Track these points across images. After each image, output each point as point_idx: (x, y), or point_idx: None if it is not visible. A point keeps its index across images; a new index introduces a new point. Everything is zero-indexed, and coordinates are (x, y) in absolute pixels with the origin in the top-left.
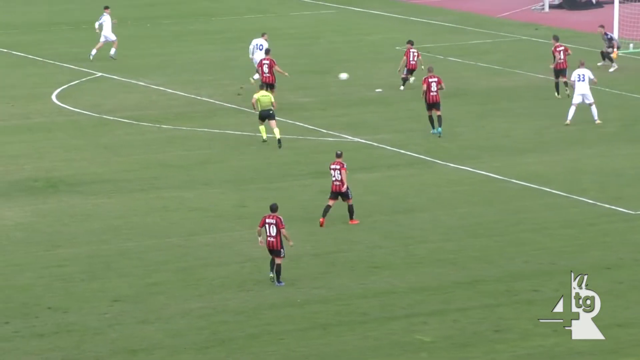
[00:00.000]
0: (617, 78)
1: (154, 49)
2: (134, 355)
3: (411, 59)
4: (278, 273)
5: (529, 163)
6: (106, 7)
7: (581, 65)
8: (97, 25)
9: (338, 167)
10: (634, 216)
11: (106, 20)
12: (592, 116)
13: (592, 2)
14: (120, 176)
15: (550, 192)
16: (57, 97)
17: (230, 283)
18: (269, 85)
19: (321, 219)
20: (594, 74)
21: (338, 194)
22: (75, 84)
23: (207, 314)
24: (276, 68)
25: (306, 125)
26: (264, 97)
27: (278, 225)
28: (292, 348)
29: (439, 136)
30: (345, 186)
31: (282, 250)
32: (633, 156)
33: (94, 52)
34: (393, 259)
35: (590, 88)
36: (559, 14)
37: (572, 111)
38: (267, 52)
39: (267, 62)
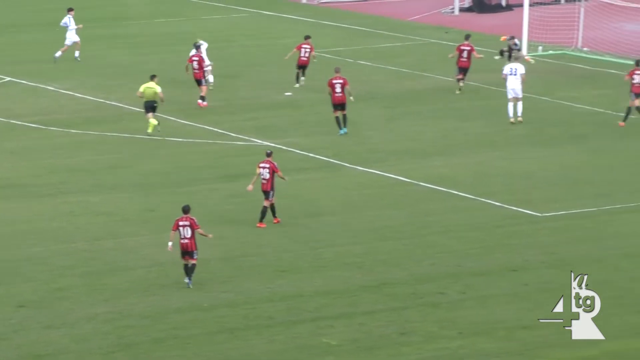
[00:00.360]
0: (526, 81)
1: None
2: None
3: (302, 54)
4: (191, 273)
5: (436, 166)
6: (70, 9)
7: (513, 59)
8: (62, 25)
9: (268, 165)
10: (541, 218)
11: (70, 22)
12: (516, 112)
13: (501, 5)
14: (28, 181)
15: (457, 194)
16: None
17: (136, 287)
18: (197, 82)
19: (260, 223)
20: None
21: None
22: None
23: (112, 318)
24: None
25: (215, 129)
26: (149, 89)
27: (192, 227)
28: (198, 352)
29: (343, 134)
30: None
31: (195, 251)
32: (541, 159)
33: (59, 54)
34: (300, 263)
35: (521, 83)
36: (469, 17)
37: (510, 107)
38: (196, 48)
39: (197, 58)
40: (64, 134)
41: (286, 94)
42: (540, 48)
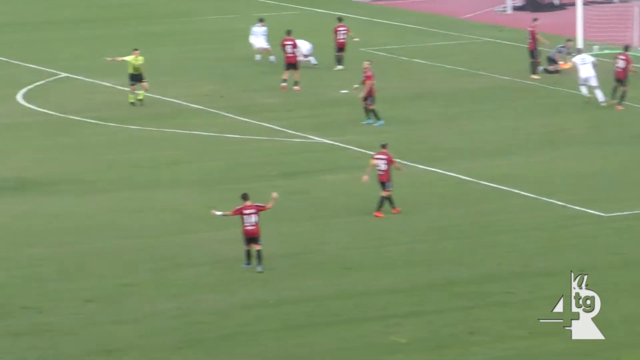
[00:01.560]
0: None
1: (118, 49)
2: (109, 355)
3: (339, 37)
4: (260, 258)
5: (498, 165)
6: (261, 20)
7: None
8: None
9: (384, 157)
10: (605, 218)
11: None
12: (598, 98)
13: (554, 4)
14: (89, 176)
15: (520, 194)
16: (23, 97)
17: (202, 284)
18: (292, 65)
19: (377, 212)
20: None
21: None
22: (40, 84)
23: (180, 314)
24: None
25: (273, 126)
26: (137, 60)
27: (258, 211)
28: (264, 349)
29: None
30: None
31: (260, 237)
32: (602, 158)
33: (273, 58)
34: (365, 260)
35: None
36: (522, 15)
37: (583, 89)
38: (288, 32)
39: (290, 42)
40: (123, 129)
41: (342, 91)
42: (595, 47)
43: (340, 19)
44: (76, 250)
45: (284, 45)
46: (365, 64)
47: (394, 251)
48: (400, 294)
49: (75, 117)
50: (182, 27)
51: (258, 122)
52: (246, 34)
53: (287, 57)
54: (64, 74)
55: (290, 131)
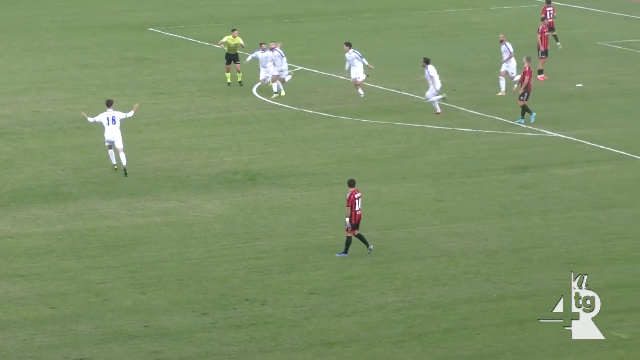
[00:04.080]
0: None
1: (354, 42)
2: (330, 347)
3: (548, 16)
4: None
5: None
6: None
7: None
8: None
9: None
10: None
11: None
12: None
13: None
14: (318, 169)
15: None
16: (258, 90)
17: (425, 277)
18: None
19: None
20: None
21: None
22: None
23: (402, 307)
24: None
25: (504, 120)
26: (233, 40)
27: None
28: (487, 343)
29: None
30: None
31: None
32: None
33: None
34: (590, 255)
35: None
36: None
37: None
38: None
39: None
40: (355, 123)
41: (577, 85)
42: None
43: (548, 1)
44: (301, 243)
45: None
46: (525, 60)
47: (620, 246)
48: (625, 289)
49: (307, 110)
50: (416, 21)
51: (491, 116)
52: (483, 27)
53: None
54: (299, 67)
55: (523, 125)
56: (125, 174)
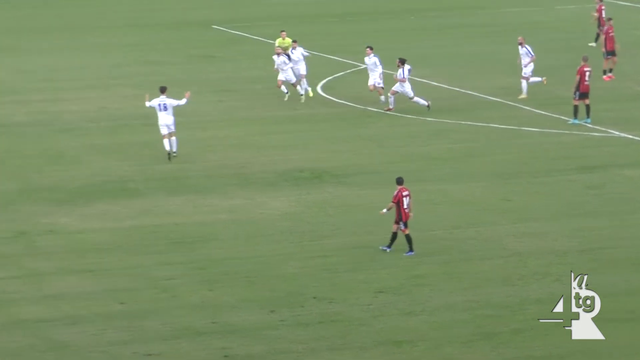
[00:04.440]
0: None
1: (418, 41)
2: (398, 346)
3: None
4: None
5: None
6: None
7: None
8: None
9: None
10: None
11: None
12: None
13: None
14: (385, 168)
15: None
16: (322, 88)
17: (494, 277)
18: (611, 53)
19: None
20: None
21: None
22: (339, 75)
23: (471, 307)
24: None
25: (572, 120)
26: (283, 42)
27: (409, 196)
28: (557, 344)
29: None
30: None
31: None
32: None
33: None
34: None
35: None
36: None
37: None
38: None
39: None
40: (420, 122)
41: None
42: None
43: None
44: (368, 242)
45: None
46: (582, 60)
47: None
48: None
49: (372, 109)
50: (481, 19)
51: (557, 116)
52: (546, 26)
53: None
54: (364, 66)
55: (589, 125)
56: (169, 158)
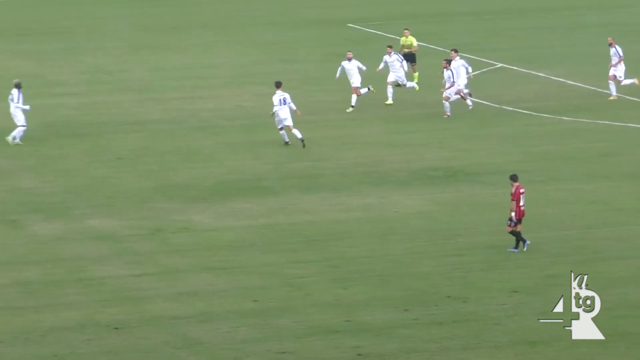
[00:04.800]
0: None
1: (554, 40)
2: (533, 346)
3: None
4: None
5: None
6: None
7: None
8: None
9: None
10: None
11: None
12: None
13: None
14: (519, 167)
15: None
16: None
17: (628, 277)
18: None
19: None
20: None
21: None
22: (476, 74)
23: (606, 307)
24: None
25: None
26: (406, 40)
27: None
28: None
29: None
30: None
31: None
32: None
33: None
34: None
35: None
36: None
37: None
38: None
39: None
40: (556, 121)
41: None
42: None
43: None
44: (502, 241)
45: None
46: None
47: None
48: None
49: (508, 108)
50: (618, 18)
51: None
52: None
53: None
54: (499, 64)
55: None
56: (304, 145)
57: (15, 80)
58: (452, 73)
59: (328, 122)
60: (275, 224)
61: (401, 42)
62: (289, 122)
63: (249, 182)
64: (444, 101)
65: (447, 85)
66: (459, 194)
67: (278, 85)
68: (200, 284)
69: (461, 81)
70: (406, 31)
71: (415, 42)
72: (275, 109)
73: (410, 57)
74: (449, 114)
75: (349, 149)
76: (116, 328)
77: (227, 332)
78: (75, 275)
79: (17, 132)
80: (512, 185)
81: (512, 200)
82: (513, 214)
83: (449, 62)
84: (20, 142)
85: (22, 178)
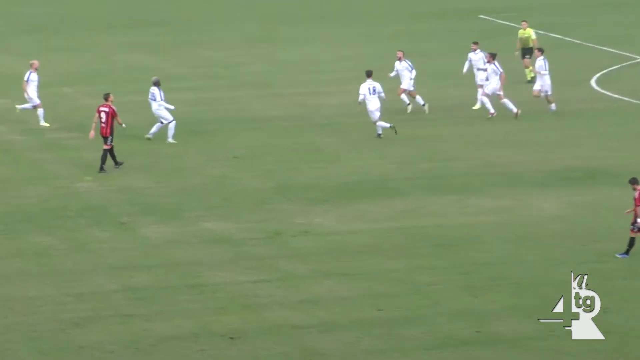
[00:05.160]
0: None
1: None
2: None
3: None
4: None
5: None
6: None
7: None
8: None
9: None
10: None
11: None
12: None
13: None
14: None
15: None
16: (597, 82)
17: None
18: None
19: None
20: None
21: None
22: (615, 68)
23: None
24: None
25: None
26: (523, 33)
27: None
28: None
29: None
30: None
31: None
32: None
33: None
34: None
35: None
36: None
37: None
38: None
39: None
40: None
41: None
42: None
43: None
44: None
45: None
46: None
47: None
48: None
49: None
50: None
51: None
52: None
53: None
54: (638, 59)
55: None
56: (396, 132)
57: (154, 78)
58: (497, 66)
59: (457, 119)
60: (402, 228)
61: (519, 35)
62: (376, 114)
63: (374, 183)
64: (503, 100)
65: (489, 81)
66: (599, 196)
67: (369, 74)
68: (322, 291)
69: (495, 82)
70: (524, 23)
71: (534, 35)
72: (360, 97)
73: (527, 51)
74: (493, 111)
75: (478, 148)
76: (232, 338)
77: (349, 342)
78: (188, 281)
79: (170, 130)
80: (635, 189)
81: (637, 205)
82: (639, 219)
83: (493, 56)
84: (173, 141)
85: (134, 177)
